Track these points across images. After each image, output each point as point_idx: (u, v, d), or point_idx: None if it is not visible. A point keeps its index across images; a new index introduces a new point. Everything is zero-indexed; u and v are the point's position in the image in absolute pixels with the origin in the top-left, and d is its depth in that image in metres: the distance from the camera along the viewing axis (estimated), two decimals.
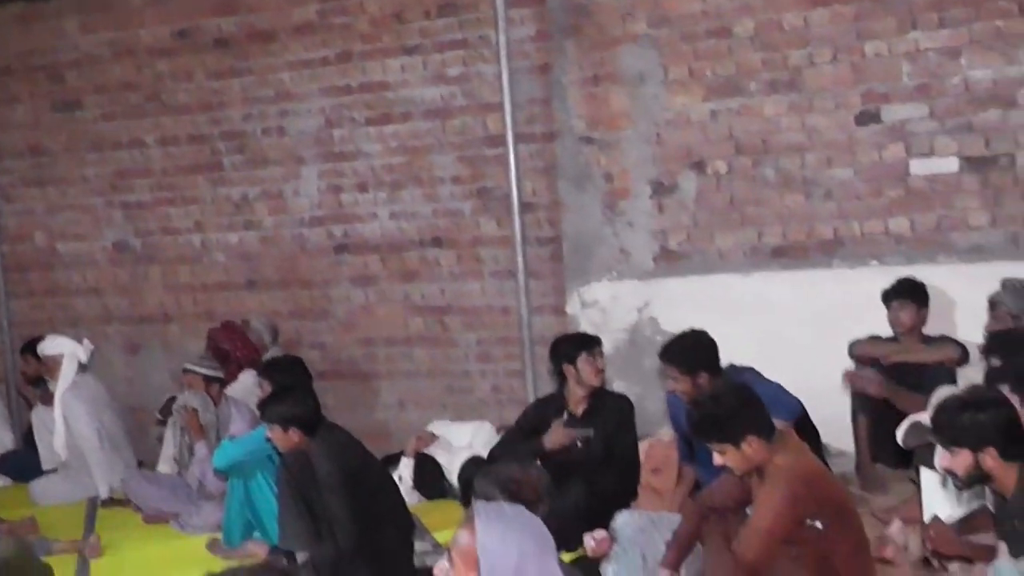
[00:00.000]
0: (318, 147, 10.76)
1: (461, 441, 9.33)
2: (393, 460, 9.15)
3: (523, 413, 8.38)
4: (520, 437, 8.02)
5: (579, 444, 7.73)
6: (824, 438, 7.93)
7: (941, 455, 5.43)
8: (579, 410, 7.90)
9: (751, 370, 7.50)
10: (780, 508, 5.61)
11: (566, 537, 6.79)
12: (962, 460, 5.28)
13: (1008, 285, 7.93)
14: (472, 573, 3.92)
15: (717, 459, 5.77)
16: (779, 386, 7.34)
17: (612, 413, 7.85)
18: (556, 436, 7.75)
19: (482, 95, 10.09)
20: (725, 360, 7.54)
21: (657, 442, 8.42)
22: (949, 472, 5.45)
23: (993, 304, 7.89)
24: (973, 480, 5.39)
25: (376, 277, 10.69)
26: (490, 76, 9.92)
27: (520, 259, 9.86)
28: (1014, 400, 5.65)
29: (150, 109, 11.39)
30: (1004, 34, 8.61)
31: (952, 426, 5.32)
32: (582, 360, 7.78)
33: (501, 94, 9.79)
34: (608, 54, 9.69)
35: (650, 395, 8.94)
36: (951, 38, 8.74)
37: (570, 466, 7.57)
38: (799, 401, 7.38)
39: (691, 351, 7.49)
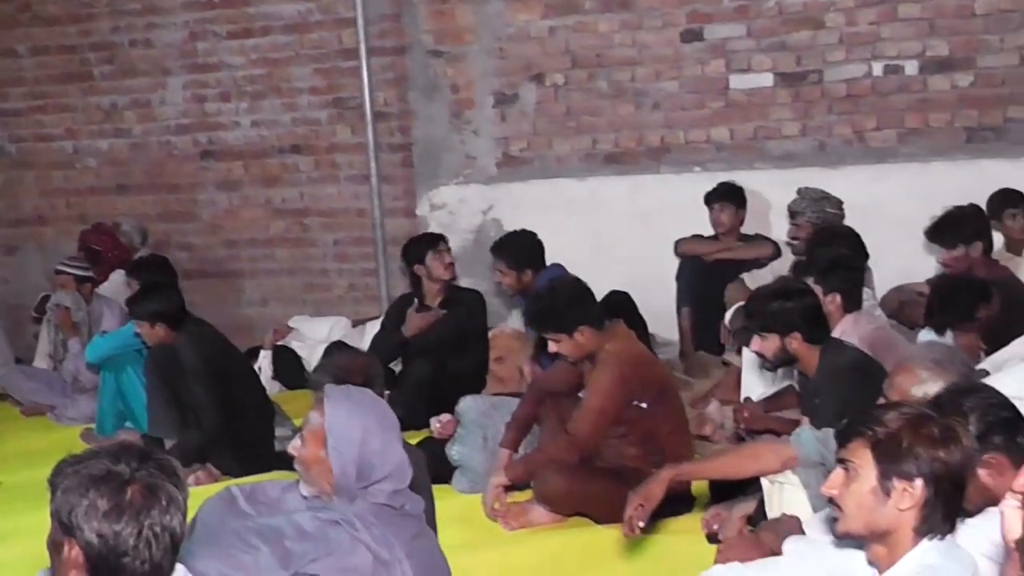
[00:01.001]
0: (183, 59, 10.55)
1: (320, 335, 9.32)
2: (254, 353, 9.14)
3: (385, 314, 8.40)
4: (385, 334, 8.05)
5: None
6: (652, 328, 8.07)
7: (753, 340, 5.60)
8: (435, 303, 7.93)
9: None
10: (609, 390, 5.69)
11: (414, 418, 6.99)
12: (771, 344, 5.44)
13: (804, 194, 8.05)
14: (322, 450, 4.02)
15: (552, 347, 5.86)
16: None
17: (463, 304, 7.88)
18: (412, 322, 7.77)
19: (337, 10, 9.98)
20: (561, 257, 7.66)
21: (500, 332, 8.48)
22: (760, 355, 5.62)
23: (793, 212, 8.01)
24: (781, 362, 5.56)
25: (239, 182, 10.58)
26: None
27: (373, 165, 9.84)
28: (817, 290, 5.85)
29: (22, 20, 11.09)
30: None
31: (763, 314, 5.48)
32: (430, 258, 7.80)
33: (355, 10, 9.70)
34: None
35: (493, 292, 9.03)
36: None
37: (427, 350, 7.66)
38: None
39: (519, 248, 7.63)
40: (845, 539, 3.42)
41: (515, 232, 7.79)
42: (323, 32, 10.15)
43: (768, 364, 5.66)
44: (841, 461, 3.31)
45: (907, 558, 3.19)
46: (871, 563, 3.33)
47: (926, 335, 6.24)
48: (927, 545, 3.19)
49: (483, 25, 9.65)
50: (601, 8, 9.29)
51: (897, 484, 3.19)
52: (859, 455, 3.25)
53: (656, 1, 9.15)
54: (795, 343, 5.38)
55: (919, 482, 3.18)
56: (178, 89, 10.64)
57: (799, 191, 8.10)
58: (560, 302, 5.85)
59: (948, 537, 3.23)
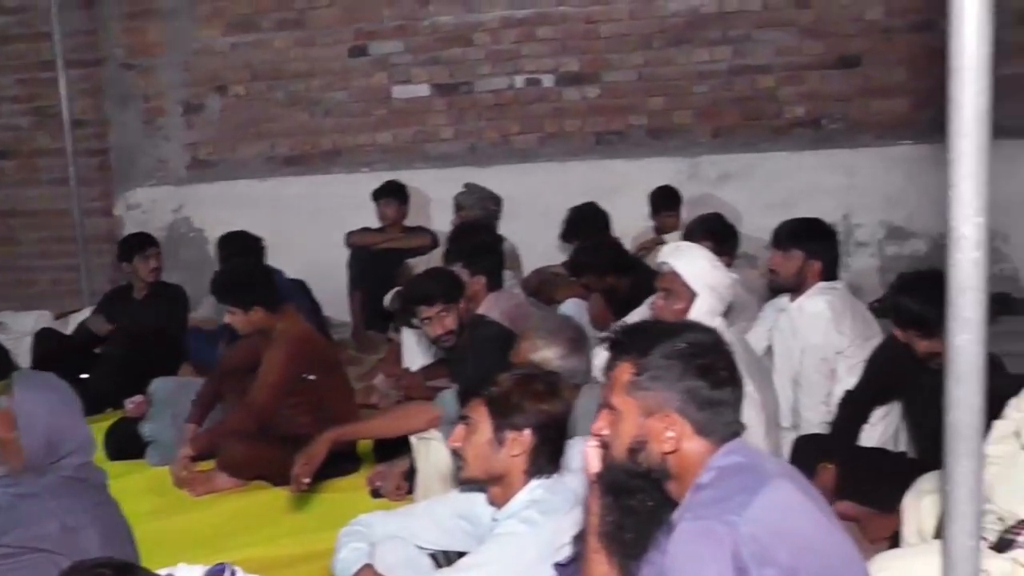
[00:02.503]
0: None
1: (25, 327, 9.03)
2: None
3: (98, 304, 8.16)
4: (92, 321, 7.84)
5: None
6: (327, 311, 8.16)
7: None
8: (141, 296, 7.77)
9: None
10: (282, 365, 5.70)
11: (111, 399, 6.90)
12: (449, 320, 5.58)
13: (471, 189, 8.22)
14: (12, 431, 3.95)
15: (227, 317, 5.84)
16: None
17: (165, 298, 7.76)
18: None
19: (36, 24, 9.64)
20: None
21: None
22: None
23: (458, 205, 8.16)
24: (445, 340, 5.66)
25: None
26: (43, 8, 9.49)
27: (72, 169, 9.50)
28: (464, 273, 6.01)
29: None
30: None
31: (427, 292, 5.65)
32: (137, 260, 7.62)
33: (51, 24, 9.41)
34: None
35: (187, 283, 8.86)
36: None
37: (126, 337, 7.51)
38: None
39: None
40: (468, 484, 3.60)
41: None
42: (23, 45, 9.79)
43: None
44: (463, 418, 3.48)
45: (519, 495, 3.38)
46: (491, 503, 3.51)
47: (564, 310, 6.53)
48: (535, 483, 3.39)
49: (171, 41, 9.52)
50: (277, 27, 9.29)
51: (509, 434, 3.38)
52: (477, 412, 3.43)
53: (326, 20, 9.20)
54: (450, 320, 5.53)
55: (527, 432, 3.37)
56: None
57: (465, 186, 8.26)
58: (242, 280, 5.88)
59: (555, 475, 3.43)
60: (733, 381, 2.72)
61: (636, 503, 2.70)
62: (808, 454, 5.10)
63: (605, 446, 2.75)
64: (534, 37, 8.97)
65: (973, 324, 2.11)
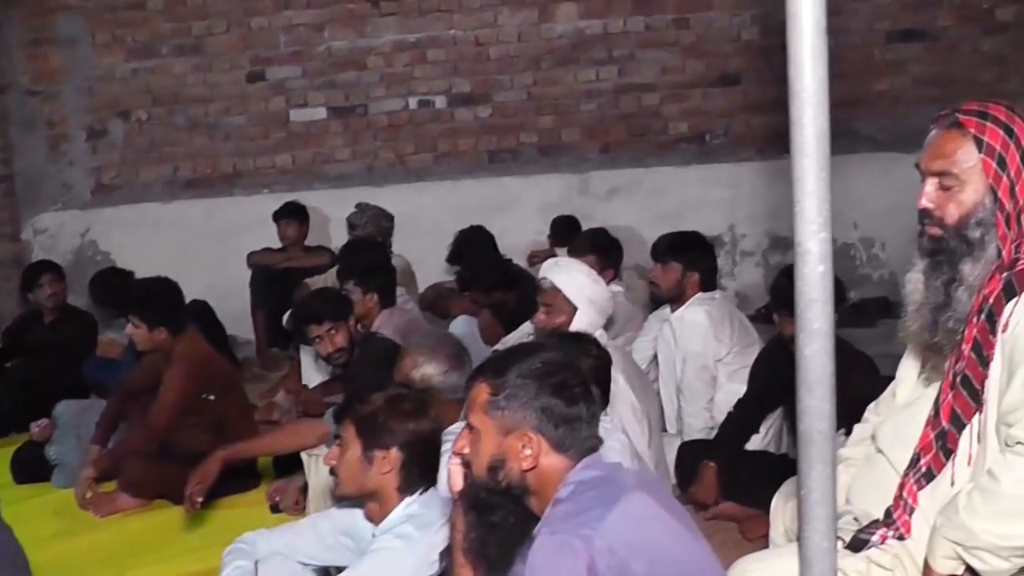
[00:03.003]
0: None
1: None
2: None
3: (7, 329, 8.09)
4: None
5: None
6: (231, 330, 8.12)
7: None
8: (48, 321, 7.67)
9: None
10: (180, 385, 5.65)
11: (16, 423, 6.82)
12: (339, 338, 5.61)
13: (363, 208, 8.19)
14: None
15: (128, 328, 5.80)
16: None
17: (71, 322, 7.67)
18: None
19: None
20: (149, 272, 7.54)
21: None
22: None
23: (351, 224, 8.16)
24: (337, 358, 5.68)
25: None
26: None
27: None
28: (357, 291, 6.06)
29: None
30: (355, 14, 8.99)
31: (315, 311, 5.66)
32: (36, 289, 7.53)
33: None
34: (46, 20, 9.29)
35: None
36: (317, 16, 9.02)
37: (31, 360, 7.42)
38: None
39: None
40: (344, 501, 3.63)
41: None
42: None
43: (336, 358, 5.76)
44: (337, 437, 3.50)
45: (396, 511, 3.41)
46: (368, 518, 3.53)
47: (455, 326, 6.57)
48: (411, 499, 3.42)
49: (74, 67, 9.37)
50: (176, 53, 9.19)
51: (377, 453, 3.41)
52: (347, 431, 3.45)
53: (223, 46, 9.14)
54: (339, 337, 5.58)
55: (395, 450, 3.41)
56: None
57: (358, 206, 8.23)
58: (152, 297, 5.83)
59: (431, 490, 3.47)
60: (587, 398, 2.74)
61: (499, 519, 2.71)
62: (692, 458, 5.18)
63: (467, 465, 2.78)
64: (426, 60, 9.03)
65: (821, 335, 2.13)
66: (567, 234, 7.80)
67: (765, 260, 8.82)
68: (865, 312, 7.53)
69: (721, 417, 5.36)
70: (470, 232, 7.68)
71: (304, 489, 5.27)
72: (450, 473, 2.87)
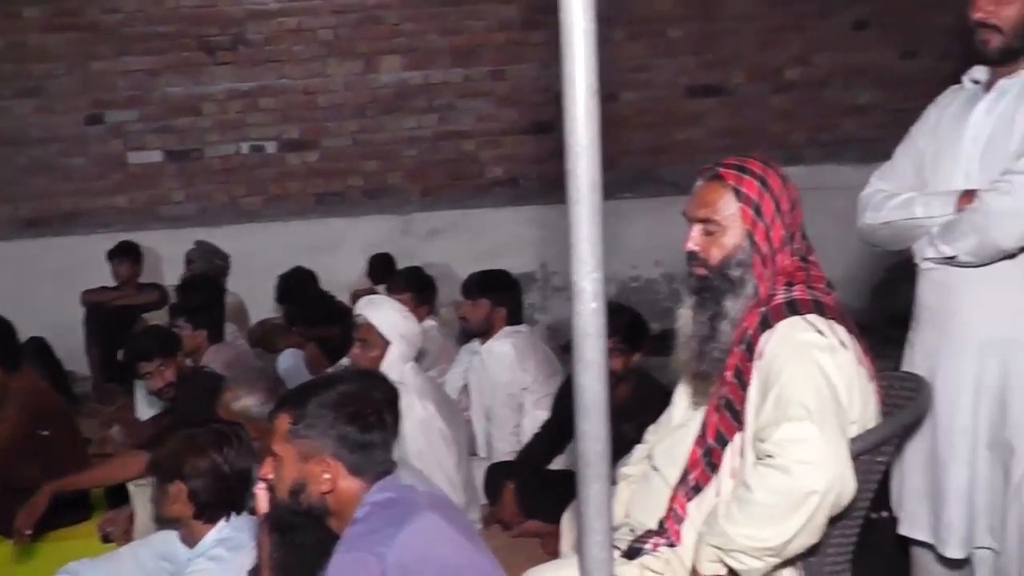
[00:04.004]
0: None
1: None
2: None
3: None
4: None
5: None
6: (69, 367, 7.91)
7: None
8: None
9: None
10: (15, 421, 5.47)
11: None
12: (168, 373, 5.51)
13: (200, 246, 8.16)
14: None
15: None
16: None
17: None
18: None
19: None
20: None
21: None
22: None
23: (188, 260, 8.08)
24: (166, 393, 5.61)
25: None
26: None
27: None
28: (188, 327, 6.02)
29: None
30: (191, 62, 8.93)
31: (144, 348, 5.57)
32: None
33: None
34: None
35: None
36: (154, 62, 8.91)
37: None
38: None
39: None
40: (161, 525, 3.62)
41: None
42: None
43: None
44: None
45: (209, 535, 3.42)
46: (183, 542, 3.53)
47: (283, 359, 6.56)
48: (223, 523, 3.44)
49: None
50: (17, 94, 8.95)
51: (167, 487, 3.43)
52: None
53: (63, 89, 8.93)
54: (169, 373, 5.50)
55: (179, 483, 3.42)
56: None
57: (196, 243, 8.16)
58: None
59: (243, 513, 3.48)
60: (381, 425, 2.82)
61: (301, 539, 2.77)
62: (499, 479, 5.27)
63: (271, 489, 2.83)
64: (258, 107, 8.99)
65: (595, 365, 2.20)
66: (383, 272, 7.84)
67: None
68: (667, 342, 7.71)
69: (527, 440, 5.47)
70: (292, 273, 7.64)
71: (132, 518, 5.18)
72: (256, 497, 2.90)
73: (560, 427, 5.35)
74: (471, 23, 9.06)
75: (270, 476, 2.80)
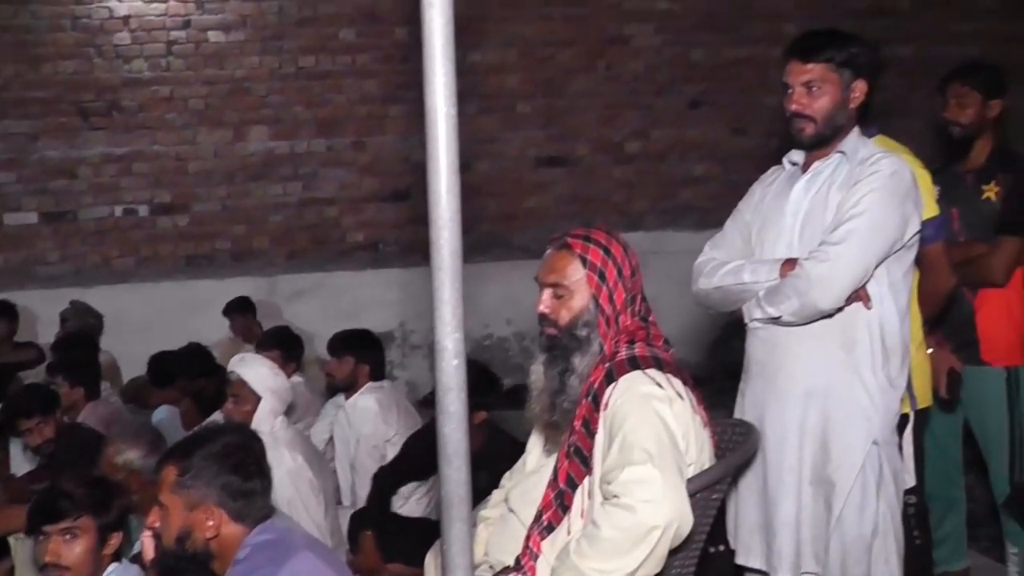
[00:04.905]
0: None
1: None
2: None
3: None
4: None
5: None
6: None
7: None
8: None
9: None
10: None
11: None
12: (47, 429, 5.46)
13: (75, 306, 8.02)
14: None
15: None
16: None
17: None
18: None
19: None
20: None
21: None
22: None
23: (62, 319, 7.93)
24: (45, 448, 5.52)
25: None
26: None
27: None
28: (66, 384, 5.93)
29: None
30: (67, 127, 8.81)
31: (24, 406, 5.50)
32: None
33: None
34: None
35: None
36: (32, 126, 8.76)
37: None
38: None
39: None
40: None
41: None
42: None
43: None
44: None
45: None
46: None
47: (157, 414, 6.49)
48: (110, 568, 3.37)
49: None
50: None
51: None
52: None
53: None
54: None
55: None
56: None
57: (71, 303, 8.02)
58: None
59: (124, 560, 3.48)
60: (261, 473, 2.89)
61: None
62: (359, 526, 5.33)
63: (157, 536, 2.86)
64: (131, 172, 8.88)
65: (456, 417, 2.28)
66: (241, 309, 7.98)
67: (431, 353, 8.96)
68: (517, 396, 7.82)
69: None
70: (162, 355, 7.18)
71: (12, 571, 5.08)
72: (143, 545, 2.93)
73: (399, 473, 5.45)
74: (334, 96, 9.14)
75: (156, 524, 2.84)
